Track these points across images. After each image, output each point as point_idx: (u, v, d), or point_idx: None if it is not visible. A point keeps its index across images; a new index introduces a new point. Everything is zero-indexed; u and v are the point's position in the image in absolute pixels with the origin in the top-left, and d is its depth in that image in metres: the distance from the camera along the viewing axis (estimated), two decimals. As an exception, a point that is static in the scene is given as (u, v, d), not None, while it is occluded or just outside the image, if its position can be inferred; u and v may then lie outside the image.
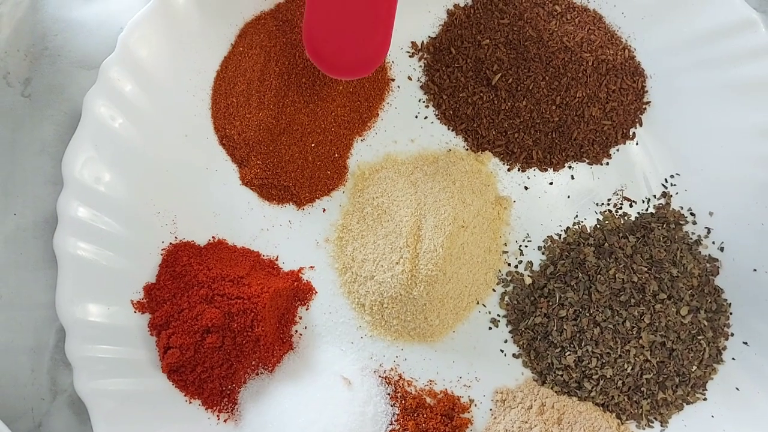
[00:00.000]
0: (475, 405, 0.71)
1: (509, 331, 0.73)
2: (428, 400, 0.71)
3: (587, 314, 0.71)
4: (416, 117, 0.77)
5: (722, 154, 0.74)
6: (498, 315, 0.74)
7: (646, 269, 0.72)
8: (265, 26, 0.73)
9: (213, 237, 0.72)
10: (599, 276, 0.71)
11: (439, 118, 0.77)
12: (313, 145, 0.72)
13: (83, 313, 0.65)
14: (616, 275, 0.71)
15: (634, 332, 0.70)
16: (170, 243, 0.70)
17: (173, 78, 0.71)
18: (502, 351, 0.73)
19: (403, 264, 0.69)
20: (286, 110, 0.71)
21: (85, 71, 0.72)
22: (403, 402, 0.71)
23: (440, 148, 0.76)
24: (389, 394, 0.71)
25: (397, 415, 0.70)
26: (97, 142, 0.67)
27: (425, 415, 0.71)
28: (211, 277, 0.68)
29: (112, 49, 0.68)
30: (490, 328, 0.73)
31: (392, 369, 0.72)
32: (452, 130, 0.76)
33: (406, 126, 0.76)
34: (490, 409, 0.72)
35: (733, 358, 0.73)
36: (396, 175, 0.73)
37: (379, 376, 0.71)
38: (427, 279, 0.68)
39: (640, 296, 0.71)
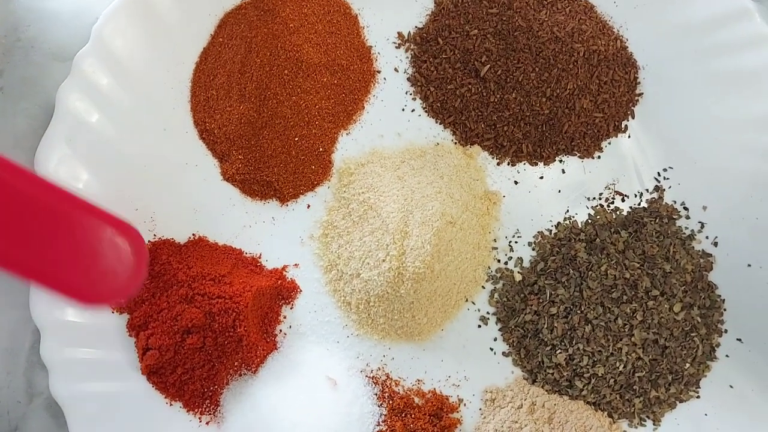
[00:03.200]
0: (464, 405, 0.70)
1: (499, 329, 0.72)
2: (416, 400, 0.70)
3: (578, 311, 0.69)
4: (403, 110, 0.75)
5: (717, 147, 0.73)
6: (487, 313, 0.72)
7: (638, 265, 0.70)
8: (245, 16, 0.71)
9: (193, 234, 0.70)
10: (590, 272, 0.70)
11: (426, 111, 0.75)
12: (296, 138, 0.70)
13: (59, 313, 0.62)
14: (608, 271, 0.69)
15: (626, 330, 0.69)
16: (149, 241, 0.68)
17: (150, 70, 0.69)
18: (491, 349, 0.71)
19: (390, 261, 0.67)
20: (268, 103, 0.69)
21: (59, 63, 0.70)
22: (390, 402, 0.69)
23: (428, 141, 0.74)
24: (376, 394, 0.69)
25: (385, 415, 0.69)
26: (72, 137, 0.64)
27: (413, 416, 0.69)
28: (191, 276, 0.66)
29: (87, 41, 0.66)
30: (480, 326, 0.72)
31: (379, 368, 0.70)
32: (440, 124, 0.74)
33: (393, 119, 0.75)
34: (480, 409, 0.70)
35: (727, 355, 0.72)
36: (382, 169, 0.71)
37: (366, 376, 0.70)
38: (414, 277, 0.66)
39: (633, 293, 0.69)
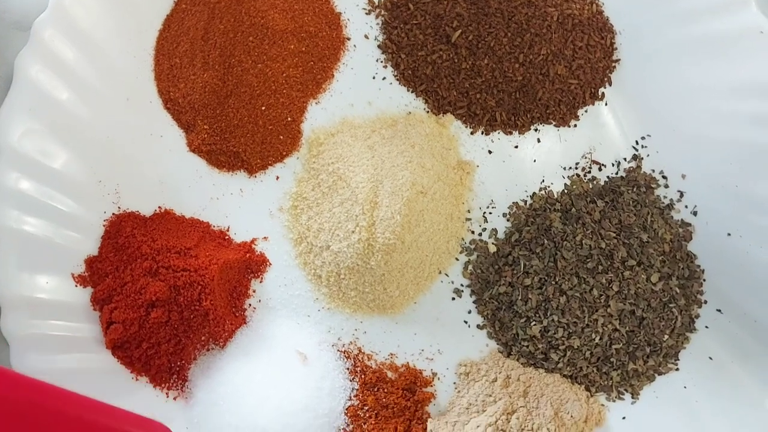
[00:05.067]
0: (438, 378, 0.69)
1: (473, 302, 0.70)
2: (389, 374, 0.68)
3: (553, 282, 0.68)
4: (374, 78, 0.73)
5: (696, 114, 0.71)
6: (461, 285, 0.70)
7: (614, 235, 0.68)
8: (208, -19, 0.69)
9: (159, 207, 0.68)
10: (565, 242, 0.68)
11: (397, 79, 0.73)
12: (263, 108, 0.68)
13: (20, 287, 0.61)
14: (583, 241, 0.68)
15: (602, 300, 0.67)
16: (113, 214, 0.66)
17: (112, 38, 0.67)
18: (465, 322, 0.70)
19: (359, 233, 0.65)
20: (233, 71, 0.67)
21: (21, 33, 0.68)
22: (362, 377, 0.68)
23: (399, 110, 0.72)
24: (348, 368, 0.68)
25: (356, 390, 0.67)
26: (32, 107, 0.62)
27: (386, 390, 0.68)
28: (156, 249, 0.64)
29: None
30: (453, 299, 0.70)
31: (351, 343, 0.69)
32: (412, 92, 0.73)
33: (363, 88, 0.73)
34: (454, 383, 0.69)
35: (707, 327, 0.70)
36: (352, 139, 0.70)
37: (338, 351, 0.68)
38: (384, 248, 0.65)
39: (608, 263, 0.68)
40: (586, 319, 0.67)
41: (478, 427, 0.64)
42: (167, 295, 0.62)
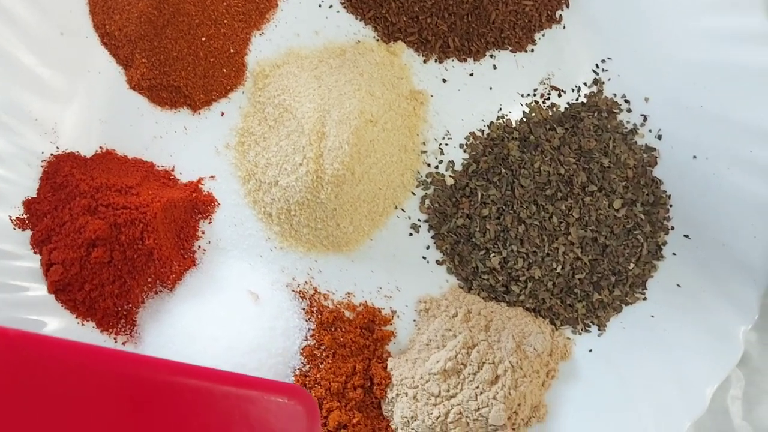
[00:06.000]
0: (398, 316, 0.66)
1: (431, 237, 0.68)
2: (347, 313, 0.66)
3: (511, 211, 0.65)
4: (320, 6, 0.70)
5: (658, 34, 0.68)
6: (419, 220, 0.68)
7: (574, 160, 0.66)
8: None
9: (100, 147, 0.65)
10: (523, 170, 0.66)
11: (345, 7, 0.70)
12: (203, 39, 0.65)
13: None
14: (541, 168, 0.65)
15: (562, 228, 0.65)
16: (51, 154, 0.64)
17: (42, -32, 0.64)
18: (424, 258, 0.68)
19: (307, 165, 0.63)
20: (169, -1, 0.64)
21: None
22: (319, 316, 0.66)
23: (348, 39, 0.69)
24: (304, 308, 0.66)
25: (313, 330, 0.65)
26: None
27: (343, 329, 0.66)
28: (95, 187, 0.62)
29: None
30: (411, 234, 0.68)
31: (306, 282, 0.66)
32: (360, 20, 0.69)
33: (309, 17, 0.69)
34: (414, 320, 0.67)
35: (674, 254, 0.68)
36: (299, 70, 0.67)
37: (292, 291, 0.66)
38: (333, 180, 0.62)
39: (568, 189, 0.65)
40: (547, 247, 0.64)
41: (437, 362, 0.62)
42: (107, 233, 0.60)
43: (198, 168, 0.67)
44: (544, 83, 0.70)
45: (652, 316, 0.67)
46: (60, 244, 0.60)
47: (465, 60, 0.70)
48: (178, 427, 0.40)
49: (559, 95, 0.70)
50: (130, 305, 0.63)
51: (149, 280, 0.63)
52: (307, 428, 0.45)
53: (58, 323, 0.61)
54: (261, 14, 0.68)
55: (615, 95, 0.70)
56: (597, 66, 0.70)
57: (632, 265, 0.67)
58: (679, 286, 0.67)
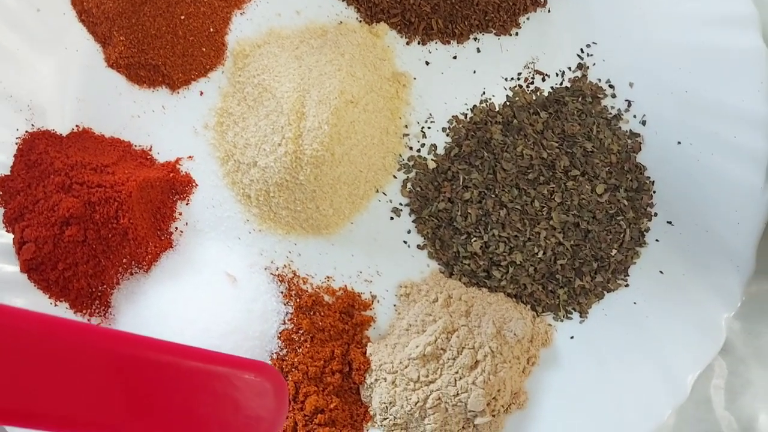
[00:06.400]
0: (378, 301, 0.66)
1: (413, 221, 0.67)
2: (326, 297, 0.65)
3: (492, 195, 0.64)
4: (302, -15, 0.69)
5: (644, 17, 0.68)
6: (400, 204, 0.67)
7: (556, 144, 0.65)
8: None
9: (77, 126, 0.65)
10: (505, 154, 0.65)
11: (326, -14, 0.69)
12: (182, 17, 0.64)
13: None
14: (524, 152, 0.65)
15: (544, 213, 0.64)
16: (26, 131, 0.63)
17: (18, -56, 0.63)
18: (405, 242, 0.67)
19: (286, 145, 0.62)
20: (147, -25, 0.63)
21: None
22: (297, 300, 0.65)
23: (330, 20, 0.68)
24: (282, 292, 0.65)
25: (291, 313, 0.64)
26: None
27: (322, 313, 0.65)
28: (70, 165, 0.61)
29: None
30: (392, 218, 0.67)
31: (285, 266, 0.65)
32: (343, 0, 0.69)
33: (291, -4, 0.69)
34: (394, 305, 0.66)
35: (657, 240, 0.67)
36: (279, 50, 0.66)
37: (271, 274, 0.65)
38: (312, 161, 0.62)
39: (550, 173, 0.65)
40: (528, 232, 0.64)
41: (417, 347, 0.61)
42: (81, 211, 0.59)
43: (176, 148, 0.66)
44: (528, 67, 0.69)
45: (635, 303, 0.66)
46: (33, 222, 0.59)
47: (448, 42, 0.69)
48: (139, 402, 0.39)
49: (543, 79, 0.69)
50: (105, 286, 0.62)
51: (124, 260, 0.62)
52: (274, 405, 0.44)
53: (30, 303, 0.60)
54: (241, -7, 0.67)
55: (599, 80, 0.69)
56: (581, 50, 0.69)
57: (614, 251, 0.66)
58: (661, 272, 0.66)
